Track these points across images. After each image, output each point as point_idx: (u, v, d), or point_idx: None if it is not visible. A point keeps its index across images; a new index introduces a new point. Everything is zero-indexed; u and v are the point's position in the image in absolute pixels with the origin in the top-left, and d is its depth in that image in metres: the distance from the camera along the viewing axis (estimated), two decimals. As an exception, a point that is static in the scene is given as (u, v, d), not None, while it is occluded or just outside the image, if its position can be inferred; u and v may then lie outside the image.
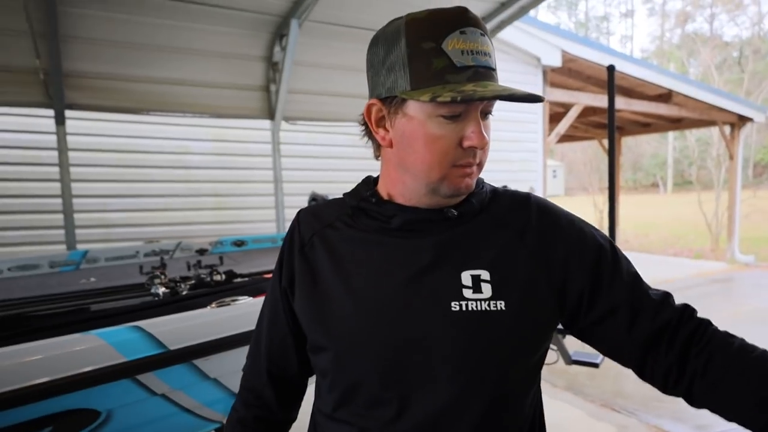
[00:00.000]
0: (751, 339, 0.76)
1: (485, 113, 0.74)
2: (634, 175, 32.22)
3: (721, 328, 0.77)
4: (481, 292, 0.75)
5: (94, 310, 1.67)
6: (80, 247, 3.40)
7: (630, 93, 8.99)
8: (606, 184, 3.08)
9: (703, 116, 9.68)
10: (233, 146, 5.19)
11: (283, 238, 0.91)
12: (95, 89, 3.65)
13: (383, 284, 0.78)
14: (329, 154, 5.72)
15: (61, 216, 3.57)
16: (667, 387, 0.76)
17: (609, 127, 2.81)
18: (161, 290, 2.04)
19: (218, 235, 4.32)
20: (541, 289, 0.77)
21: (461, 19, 0.71)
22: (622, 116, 10.31)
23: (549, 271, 0.78)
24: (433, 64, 0.70)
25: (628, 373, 0.82)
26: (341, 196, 0.91)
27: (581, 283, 0.78)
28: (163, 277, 2.17)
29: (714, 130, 12.32)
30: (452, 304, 0.75)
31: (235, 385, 1.63)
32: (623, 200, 14.01)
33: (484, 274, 0.76)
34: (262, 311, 0.94)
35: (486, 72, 0.71)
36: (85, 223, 4.33)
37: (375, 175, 0.92)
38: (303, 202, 3.72)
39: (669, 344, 0.75)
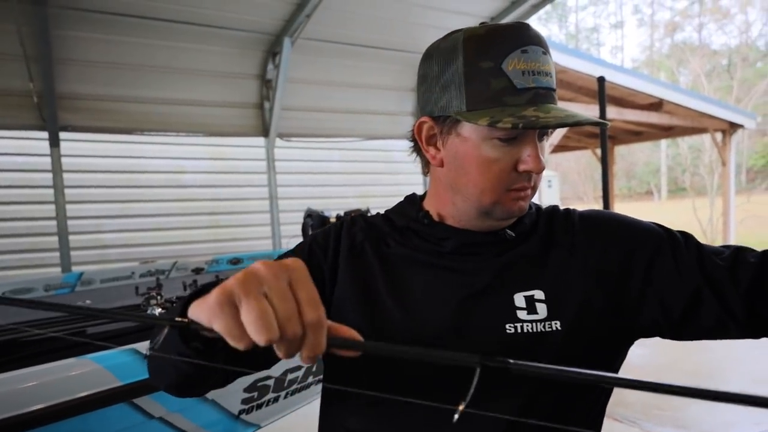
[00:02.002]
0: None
1: (542, 134, 0.72)
2: (629, 183, 32.39)
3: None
4: (536, 312, 0.73)
5: (89, 334, 1.66)
6: (75, 269, 3.39)
7: (621, 102, 9.08)
8: (600, 192, 3.10)
9: (695, 124, 9.77)
10: (228, 164, 5.19)
11: (321, 230, 0.85)
12: (89, 110, 3.67)
13: (436, 308, 0.75)
14: (324, 170, 5.73)
15: (56, 238, 3.56)
16: None
17: (601, 138, 2.83)
18: (158, 311, 2.03)
19: (214, 253, 4.31)
20: (598, 303, 0.73)
21: (523, 36, 0.68)
22: (614, 125, 10.39)
23: (605, 282, 0.74)
24: (492, 84, 0.68)
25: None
26: (382, 213, 0.87)
27: (648, 282, 0.73)
28: (159, 297, 2.16)
29: (706, 137, 12.44)
30: (507, 326, 0.72)
31: (233, 406, 1.61)
32: (618, 208, 14.07)
33: (538, 294, 0.74)
34: None
35: (547, 93, 0.69)
36: (80, 244, 4.31)
37: (415, 192, 0.89)
38: (298, 219, 3.72)
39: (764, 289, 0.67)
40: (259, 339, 0.41)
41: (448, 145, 0.75)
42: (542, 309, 0.73)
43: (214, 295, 0.43)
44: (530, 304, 0.73)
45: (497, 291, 0.74)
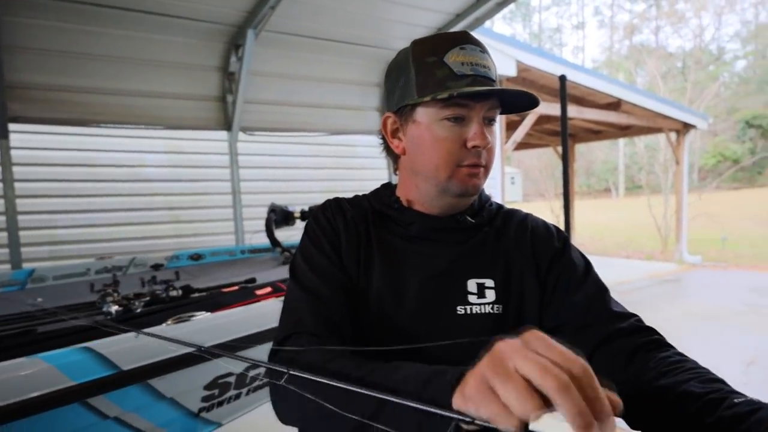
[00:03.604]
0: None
1: (488, 119, 0.82)
2: (588, 181, 33.26)
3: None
4: (485, 297, 0.85)
5: (40, 332, 1.59)
6: (26, 265, 3.25)
7: (582, 101, 9.30)
8: (561, 190, 3.17)
9: (651, 123, 10.10)
10: (190, 158, 5.07)
11: (321, 216, 0.93)
12: (42, 101, 3.52)
13: (399, 286, 0.85)
14: (288, 164, 5.66)
15: (5, 234, 3.41)
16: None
17: (562, 135, 2.89)
18: (113, 308, 1.97)
19: (175, 249, 4.21)
20: (533, 292, 0.86)
21: (461, 38, 0.81)
22: (575, 124, 10.64)
23: (538, 275, 0.87)
24: (436, 74, 0.79)
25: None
26: (359, 196, 0.97)
27: (552, 284, 0.86)
28: (115, 294, 2.09)
29: (661, 137, 12.87)
30: (458, 308, 0.84)
31: (192, 404, 1.58)
32: (578, 205, 14.43)
33: (489, 282, 0.86)
34: (305, 285, 0.86)
35: (485, 81, 0.79)
36: (31, 240, 4.13)
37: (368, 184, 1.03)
38: (262, 214, 3.67)
39: (618, 351, 0.75)
40: (524, 410, 0.41)
41: (408, 133, 0.86)
42: (491, 294, 0.85)
43: (471, 384, 0.45)
44: (481, 290, 0.85)
45: (454, 276, 0.86)
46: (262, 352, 1.61)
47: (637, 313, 0.83)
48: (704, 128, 11.12)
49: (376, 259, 0.88)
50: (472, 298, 0.84)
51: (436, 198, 0.87)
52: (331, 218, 0.91)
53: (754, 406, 0.57)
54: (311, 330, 0.79)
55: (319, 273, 0.86)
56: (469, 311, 0.84)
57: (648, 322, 0.81)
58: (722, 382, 0.65)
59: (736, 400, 0.58)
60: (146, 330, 1.39)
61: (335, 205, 0.95)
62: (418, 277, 0.86)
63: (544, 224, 0.94)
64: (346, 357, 0.70)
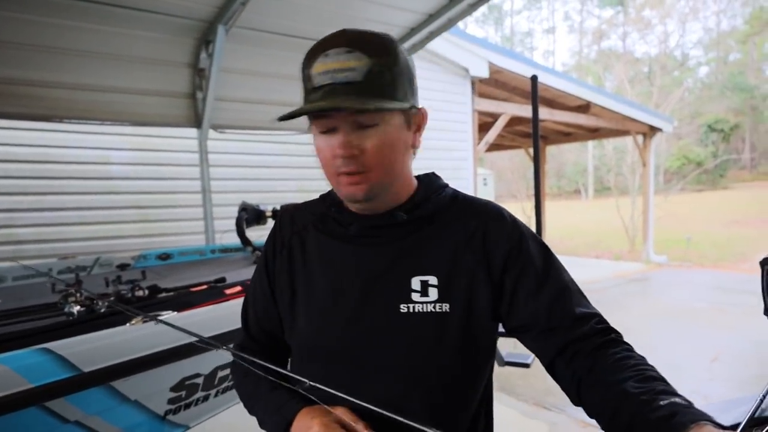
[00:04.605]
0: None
1: (360, 124, 0.79)
2: (558, 182, 33.84)
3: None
4: (428, 295, 0.83)
5: (-3, 334, 1.52)
6: (-16, 265, 3.12)
7: (552, 104, 9.45)
8: (533, 191, 3.20)
9: (619, 126, 10.33)
10: (158, 156, 4.96)
11: (269, 236, 0.99)
12: (2, 95, 3.38)
13: (341, 288, 0.87)
14: (260, 163, 5.59)
15: (-39, 232, 3.27)
16: (569, 393, 0.80)
17: (533, 136, 2.92)
18: (75, 309, 1.90)
19: (143, 248, 4.10)
20: (483, 291, 0.84)
21: (328, 42, 0.79)
22: (546, 126, 10.81)
23: (491, 273, 0.84)
24: (305, 87, 0.81)
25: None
26: (318, 198, 0.98)
27: (512, 287, 0.85)
28: (78, 294, 2.02)
29: (628, 140, 13.17)
30: (401, 306, 0.83)
31: (158, 407, 1.53)
32: (549, 206, 14.65)
33: (432, 280, 0.83)
34: (249, 292, 1.03)
35: (344, 87, 0.76)
36: (-10, 239, 3.99)
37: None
38: (233, 213, 3.62)
39: (576, 354, 0.79)
40: None
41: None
42: (434, 292, 0.83)
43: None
44: (424, 288, 0.83)
45: (394, 274, 0.85)
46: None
47: (601, 313, 0.85)
48: (669, 131, 11.43)
49: (316, 267, 0.90)
50: (415, 296, 0.83)
51: (346, 203, 0.90)
52: (274, 236, 0.99)
53: (674, 409, 0.62)
54: (250, 332, 1.01)
55: (256, 287, 1.00)
56: (412, 309, 0.82)
57: (618, 320, 0.82)
58: (659, 380, 0.70)
59: (661, 403, 0.63)
60: (160, 318, 1.35)
61: (284, 217, 1.00)
62: (360, 278, 0.86)
63: (500, 215, 0.89)
64: (250, 375, 0.89)
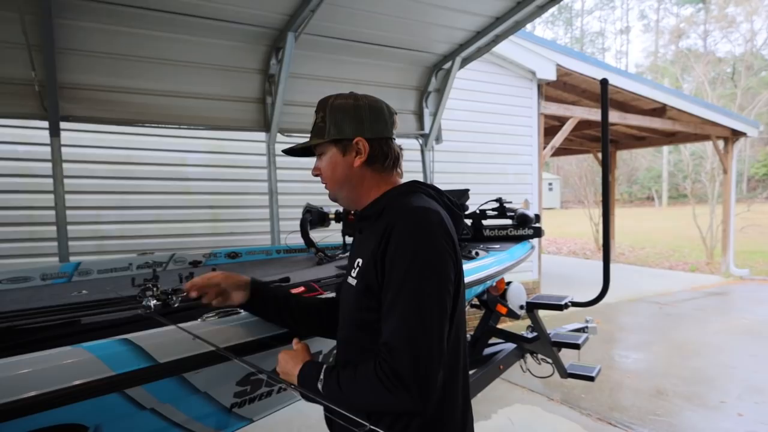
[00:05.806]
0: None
1: (318, 154, 1.38)
2: (630, 188, 32.36)
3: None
4: (354, 274, 1.23)
5: (84, 323, 1.64)
6: (73, 259, 3.37)
7: (624, 107, 9.06)
8: (601, 197, 3.08)
9: (697, 130, 9.75)
10: (229, 158, 5.18)
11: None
12: (91, 101, 3.64)
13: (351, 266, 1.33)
14: (325, 166, 5.70)
15: (54, 228, 3.54)
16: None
17: (603, 141, 2.81)
18: (153, 302, 2.02)
19: (213, 247, 4.29)
20: (374, 274, 1.14)
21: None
22: (617, 130, 10.37)
23: (382, 264, 1.12)
24: None
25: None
26: None
27: (380, 280, 1.14)
28: (155, 289, 2.14)
29: (708, 145, 12.40)
30: (349, 279, 1.26)
31: (225, 399, 1.61)
32: (619, 213, 14.02)
33: (360, 261, 1.22)
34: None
35: (307, 134, 1.40)
36: (78, 235, 4.30)
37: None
38: (298, 214, 3.71)
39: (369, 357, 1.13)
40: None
41: None
42: (357, 271, 1.21)
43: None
44: (357, 267, 1.22)
45: (354, 255, 1.30)
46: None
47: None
48: (755, 136, 10.67)
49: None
50: (353, 272, 1.23)
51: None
52: None
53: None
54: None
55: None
56: (351, 283, 1.23)
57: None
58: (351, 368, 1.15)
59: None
60: (181, 325, 1.42)
61: None
62: (351, 256, 1.34)
63: (405, 219, 1.12)
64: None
